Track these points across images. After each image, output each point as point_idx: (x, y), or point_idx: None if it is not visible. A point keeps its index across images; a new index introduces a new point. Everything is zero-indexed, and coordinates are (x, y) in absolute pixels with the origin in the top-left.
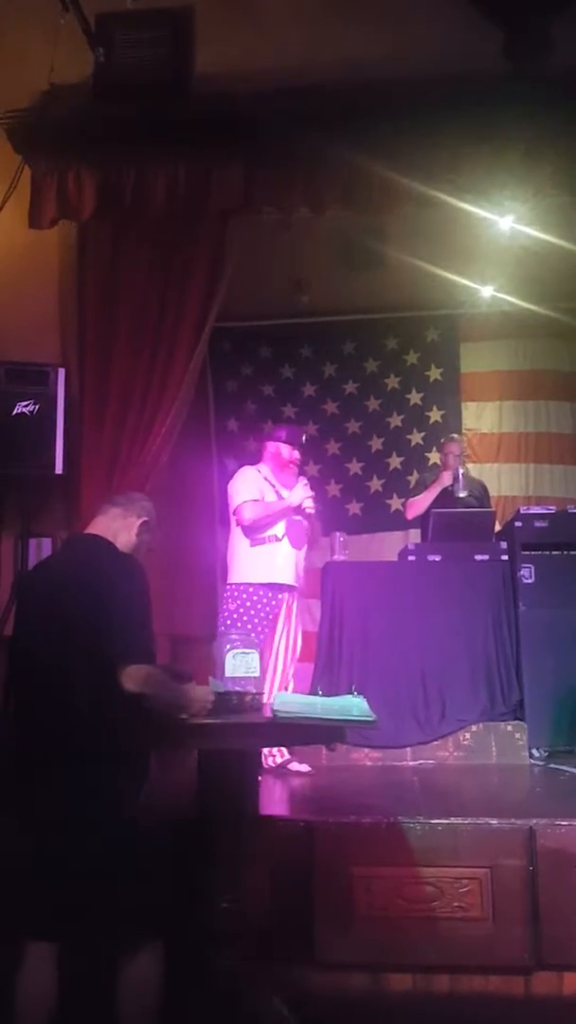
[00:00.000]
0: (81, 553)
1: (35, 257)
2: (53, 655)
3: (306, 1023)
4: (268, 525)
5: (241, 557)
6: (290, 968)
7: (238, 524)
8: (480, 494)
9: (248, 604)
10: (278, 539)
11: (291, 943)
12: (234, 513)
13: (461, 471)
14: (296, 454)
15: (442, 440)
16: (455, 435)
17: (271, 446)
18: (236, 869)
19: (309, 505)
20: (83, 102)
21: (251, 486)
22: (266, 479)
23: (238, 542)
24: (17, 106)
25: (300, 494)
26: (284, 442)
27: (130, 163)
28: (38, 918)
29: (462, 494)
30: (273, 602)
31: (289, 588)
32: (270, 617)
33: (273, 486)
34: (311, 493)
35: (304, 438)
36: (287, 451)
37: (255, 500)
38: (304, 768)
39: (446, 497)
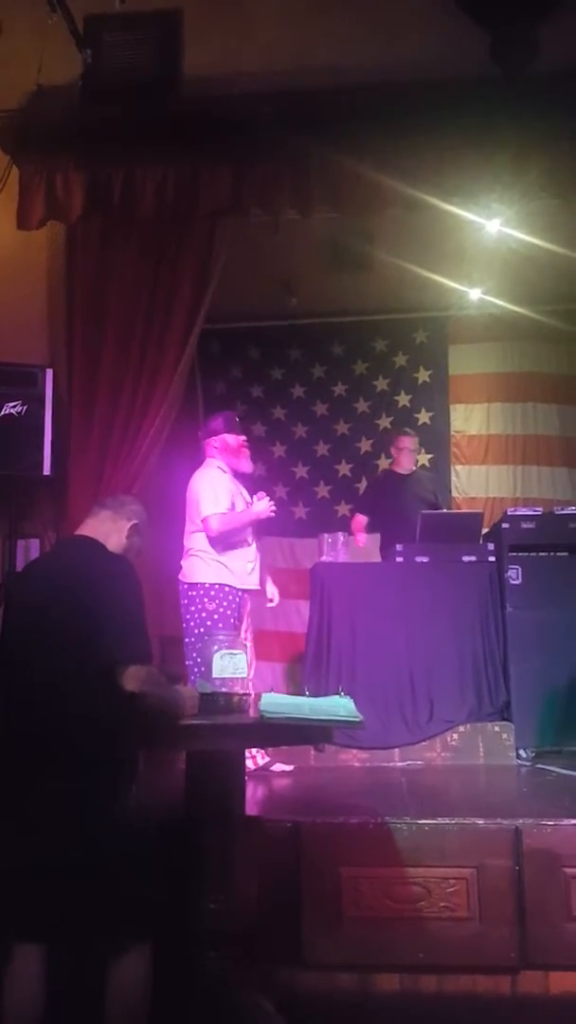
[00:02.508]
0: (74, 555)
1: (23, 258)
2: (45, 657)
3: (294, 1023)
4: (235, 535)
5: (218, 558)
6: (278, 968)
7: (205, 532)
8: (435, 487)
9: (225, 604)
10: (248, 544)
11: (279, 943)
12: (201, 521)
13: (415, 467)
14: (241, 437)
15: (394, 435)
16: (408, 429)
17: (215, 441)
18: (224, 870)
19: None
20: (71, 103)
21: (223, 495)
22: (232, 480)
23: (212, 543)
24: (5, 107)
25: (264, 509)
26: (225, 432)
27: (118, 164)
28: (25, 919)
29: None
30: (241, 604)
31: (252, 592)
32: (241, 619)
33: (236, 487)
34: (272, 505)
35: (237, 419)
36: (232, 439)
37: (224, 513)
38: (287, 768)
39: (400, 491)
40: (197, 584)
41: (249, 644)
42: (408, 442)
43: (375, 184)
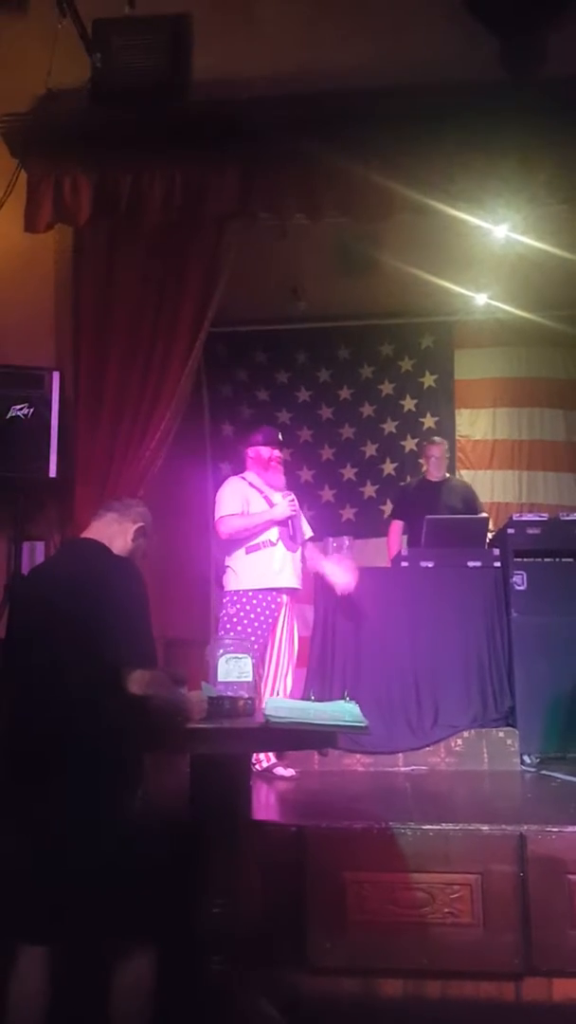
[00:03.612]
0: (79, 557)
1: (31, 260)
2: (51, 658)
3: None
4: (251, 536)
5: (238, 564)
6: (281, 972)
7: (218, 536)
8: (467, 496)
9: (247, 608)
10: (272, 544)
11: (283, 947)
12: (214, 526)
13: (445, 475)
14: (276, 452)
15: (424, 443)
16: (436, 438)
17: (251, 451)
18: (228, 873)
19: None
20: (80, 107)
21: (233, 500)
22: (252, 485)
23: (234, 549)
24: (14, 110)
25: (284, 509)
26: (261, 444)
27: (126, 168)
28: (31, 921)
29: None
30: (272, 606)
31: (290, 591)
32: (269, 621)
33: (260, 491)
34: (293, 503)
35: (280, 435)
36: (266, 452)
37: (233, 515)
38: (289, 772)
39: (430, 500)
40: (226, 592)
41: (284, 646)
42: (436, 450)
43: (383, 188)
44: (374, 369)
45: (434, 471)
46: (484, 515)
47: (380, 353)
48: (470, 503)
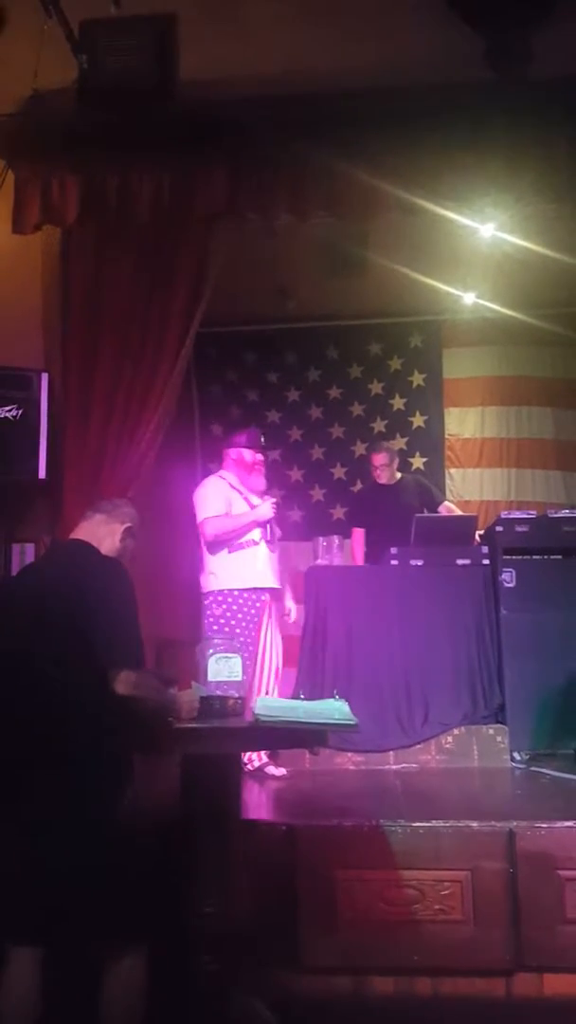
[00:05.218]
0: (67, 558)
1: (19, 262)
2: (39, 659)
3: None
4: (235, 537)
5: (221, 564)
6: (274, 971)
7: (202, 537)
8: (422, 492)
9: (235, 608)
10: (256, 543)
11: (274, 946)
12: (198, 527)
13: (397, 476)
14: (259, 456)
15: (370, 451)
16: (380, 444)
17: (232, 452)
18: (220, 873)
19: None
20: (67, 108)
21: (217, 499)
22: (232, 487)
23: (218, 549)
24: (1, 111)
25: (267, 511)
26: (245, 447)
27: (114, 169)
28: (21, 923)
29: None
30: (257, 604)
31: (272, 591)
32: (255, 621)
33: (241, 492)
34: (275, 505)
35: (262, 438)
36: (249, 455)
37: (218, 516)
38: (280, 771)
39: (386, 504)
40: (208, 592)
41: (271, 645)
42: (378, 459)
43: (370, 188)
44: (363, 369)
45: (383, 477)
46: (472, 514)
47: (369, 353)
48: (427, 497)
